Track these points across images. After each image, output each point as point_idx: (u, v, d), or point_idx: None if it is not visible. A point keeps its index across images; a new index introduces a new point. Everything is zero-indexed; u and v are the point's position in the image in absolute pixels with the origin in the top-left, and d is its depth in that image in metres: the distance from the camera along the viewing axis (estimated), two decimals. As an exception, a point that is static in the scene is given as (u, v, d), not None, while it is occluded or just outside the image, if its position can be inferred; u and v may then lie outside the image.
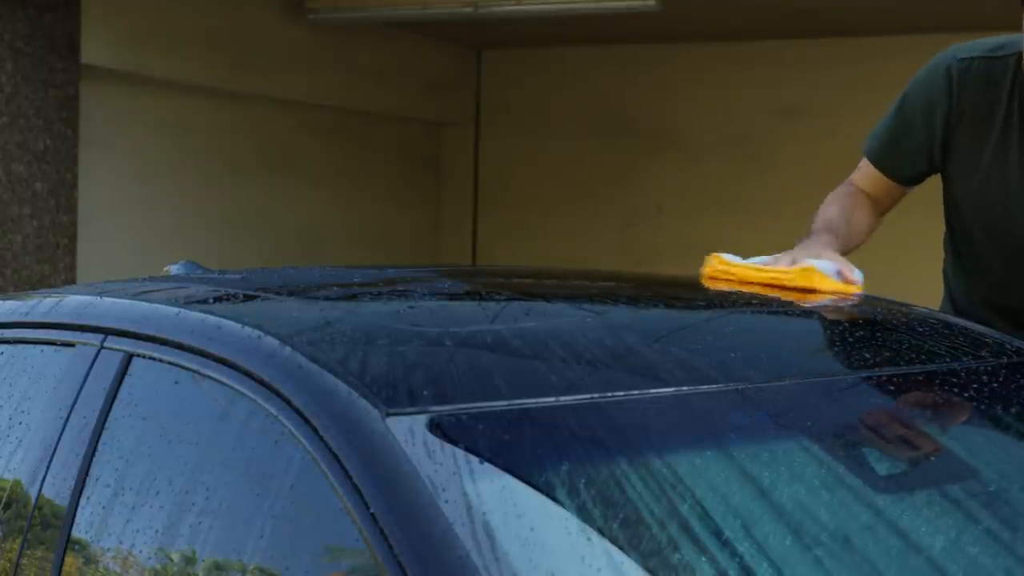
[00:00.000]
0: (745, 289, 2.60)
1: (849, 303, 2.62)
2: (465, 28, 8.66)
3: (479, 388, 1.87)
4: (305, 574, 1.80)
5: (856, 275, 2.70)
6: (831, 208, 2.98)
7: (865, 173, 3.06)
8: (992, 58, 2.88)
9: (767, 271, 2.65)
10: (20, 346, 2.42)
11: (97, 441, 2.12)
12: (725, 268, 2.69)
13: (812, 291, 2.63)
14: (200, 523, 1.94)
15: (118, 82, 7.29)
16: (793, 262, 2.68)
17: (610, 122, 9.15)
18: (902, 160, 3.01)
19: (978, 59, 2.89)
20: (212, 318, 2.10)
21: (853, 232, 2.97)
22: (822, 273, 2.65)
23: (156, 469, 2.06)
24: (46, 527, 2.14)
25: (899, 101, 3.00)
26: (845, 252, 2.87)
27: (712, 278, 2.68)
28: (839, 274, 2.67)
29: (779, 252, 2.75)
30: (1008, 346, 2.45)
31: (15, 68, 6.66)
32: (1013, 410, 2.26)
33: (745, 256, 2.72)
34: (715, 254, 2.71)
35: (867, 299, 2.67)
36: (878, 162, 3.03)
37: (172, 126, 7.69)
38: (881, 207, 3.08)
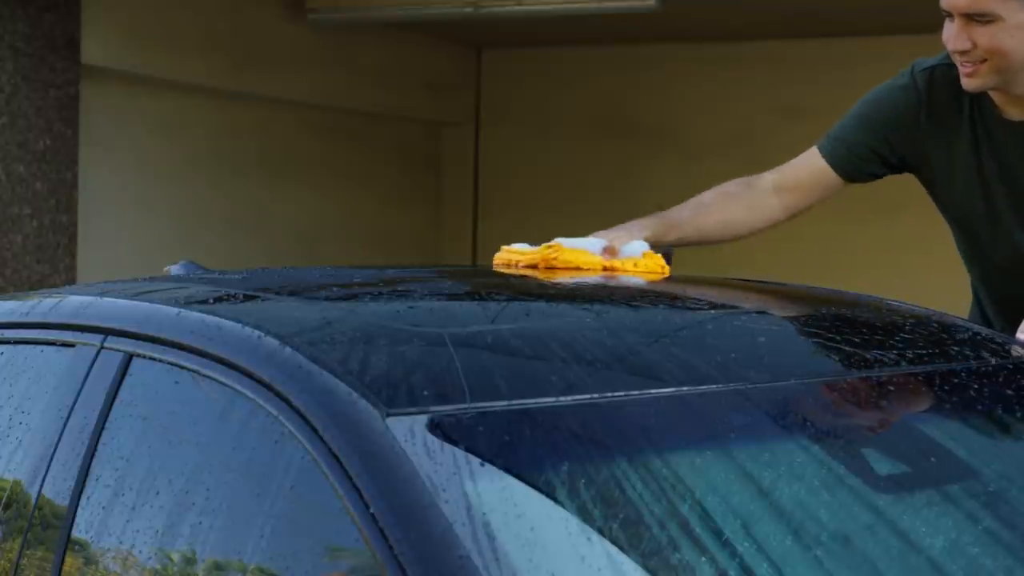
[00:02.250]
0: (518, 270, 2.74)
1: (848, 304, 2.62)
2: (465, 28, 8.66)
3: (479, 388, 1.87)
4: (305, 574, 1.80)
5: (627, 250, 2.81)
6: (697, 197, 3.10)
7: (803, 165, 3.07)
8: (950, 65, 2.88)
9: (527, 253, 2.79)
10: (20, 346, 2.42)
11: (97, 441, 2.12)
12: (508, 256, 2.81)
13: (572, 268, 2.76)
14: (200, 523, 1.94)
15: (118, 82, 7.29)
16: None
17: (610, 122, 9.15)
18: (856, 155, 3.01)
19: (939, 66, 2.92)
20: (212, 318, 2.10)
21: (705, 223, 3.05)
22: (573, 248, 2.78)
23: (156, 469, 2.06)
24: (46, 527, 2.14)
25: (861, 107, 3.03)
26: (670, 239, 2.98)
27: (497, 266, 2.80)
28: (605, 250, 2.80)
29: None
30: (1007, 346, 2.45)
31: (15, 68, 6.66)
32: (1012, 410, 2.26)
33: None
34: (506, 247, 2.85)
35: (865, 299, 2.67)
36: (831, 156, 3.02)
37: (172, 126, 7.69)
38: (795, 203, 3.08)
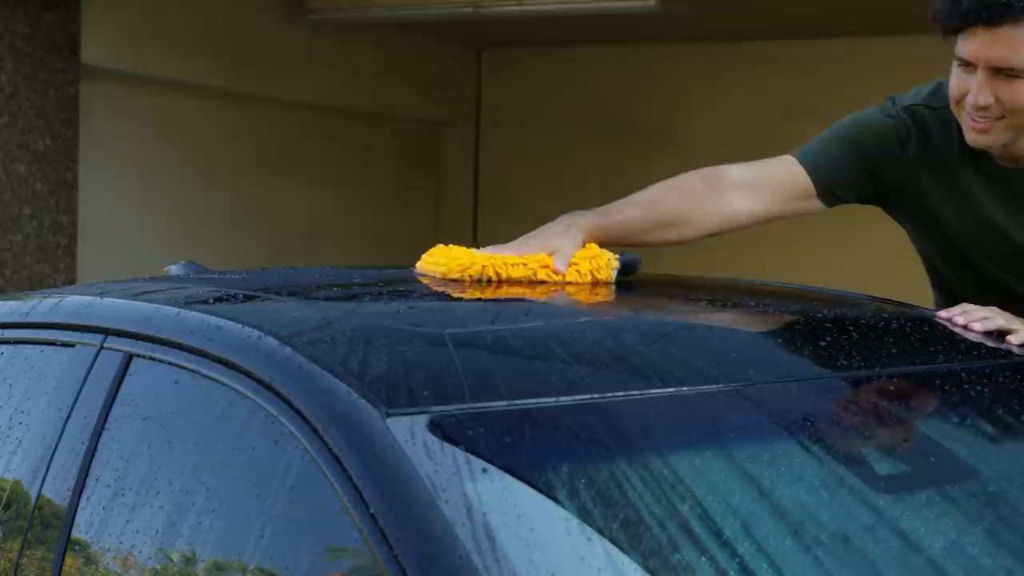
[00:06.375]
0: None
1: (848, 305, 2.62)
2: (465, 28, 8.67)
3: (479, 388, 1.87)
4: (305, 574, 1.80)
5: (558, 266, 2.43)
6: (646, 191, 2.75)
7: (778, 166, 2.77)
8: (931, 108, 2.74)
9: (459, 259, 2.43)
10: (20, 346, 2.43)
11: (97, 441, 2.12)
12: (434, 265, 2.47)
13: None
14: (200, 523, 1.94)
15: (118, 82, 7.29)
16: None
17: (610, 122, 9.15)
18: (838, 173, 2.78)
19: (917, 106, 2.76)
20: (212, 318, 2.10)
21: (653, 220, 2.70)
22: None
23: (156, 469, 2.06)
24: (46, 527, 2.14)
25: (843, 130, 2.81)
26: (614, 241, 2.62)
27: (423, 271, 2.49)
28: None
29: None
30: (1003, 347, 2.46)
31: (15, 68, 6.66)
32: (1012, 410, 2.26)
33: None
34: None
35: (867, 300, 2.68)
36: (813, 166, 2.76)
37: (172, 126, 7.69)
38: (764, 207, 2.76)
